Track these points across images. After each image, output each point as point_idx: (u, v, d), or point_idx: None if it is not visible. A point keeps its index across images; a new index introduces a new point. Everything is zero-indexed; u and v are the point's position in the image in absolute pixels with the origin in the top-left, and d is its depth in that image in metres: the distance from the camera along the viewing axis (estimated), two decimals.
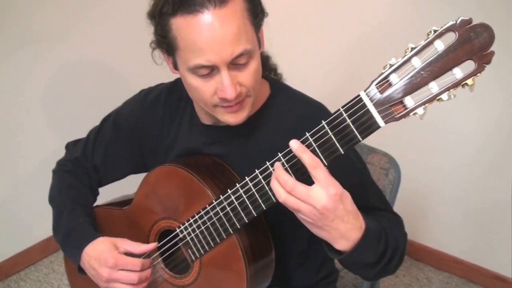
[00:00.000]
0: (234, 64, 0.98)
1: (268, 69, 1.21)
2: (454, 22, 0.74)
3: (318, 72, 2.56)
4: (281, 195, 0.89)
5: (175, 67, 1.07)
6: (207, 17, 0.93)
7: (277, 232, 1.13)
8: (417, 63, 0.77)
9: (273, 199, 0.96)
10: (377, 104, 0.80)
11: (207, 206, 1.06)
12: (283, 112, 1.16)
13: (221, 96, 1.00)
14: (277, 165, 0.90)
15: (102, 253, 1.15)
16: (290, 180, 0.88)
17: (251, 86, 1.03)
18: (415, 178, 2.18)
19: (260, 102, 1.16)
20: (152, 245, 1.19)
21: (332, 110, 0.87)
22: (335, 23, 2.48)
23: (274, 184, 0.90)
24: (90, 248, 1.18)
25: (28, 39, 2.27)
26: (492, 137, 2.18)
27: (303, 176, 0.89)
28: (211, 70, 0.98)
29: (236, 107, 1.04)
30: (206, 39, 0.95)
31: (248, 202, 0.99)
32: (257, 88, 1.07)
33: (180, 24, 0.96)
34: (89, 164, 1.36)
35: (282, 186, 0.89)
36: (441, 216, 2.47)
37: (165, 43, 1.01)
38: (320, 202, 0.85)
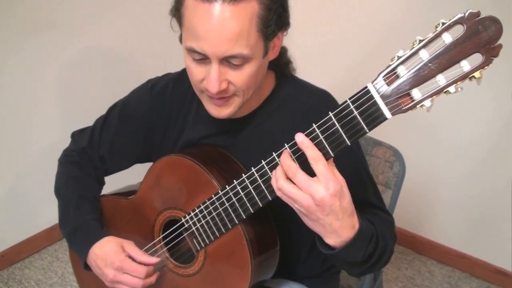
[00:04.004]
0: (228, 61, 0.99)
1: (283, 62, 1.20)
2: (463, 14, 0.74)
3: (326, 66, 2.56)
4: (279, 181, 0.89)
5: (180, 40, 1.07)
6: (214, 7, 0.93)
7: (285, 223, 1.13)
8: (424, 55, 0.77)
9: None
10: (384, 96, 0.80)
11: (212, 196, 1.07)
12: (289, 102, 1.16)
13: (205, 87, 1.02)
14: (285, 152, 0.91)
15: (108, 254, 1.16)
16: (294, 166, 0.88)
17: (240, 87, 1.03)
18: (419, 172, 2.19)
19: (266, 93, 1.17)
20: (155, 260, 1.18)
21: (340, 102, 0.87)
22: (343, 15, 2.48)
23: (276, 169, 0.91)
24: (97, 247, 1.18)
25: (38, 27, 2.27)
26: (498, 134, 2.18)
27: (308, 168, 0.89)
28: (205, 57, 0.99)
29: (219, 101, 1.05)
30: (205, 29, 0.95)
31: (254, 193, 1.00)
32: (249, 91, 1.06)
33: (190, 4, 0.97)
34: (96, 154, 1.36)
35: (285, 171, 0.89)
36: (444, 210, 2.47)
37: (177, 16, 1.03)
38: (319, 194, 0.85)
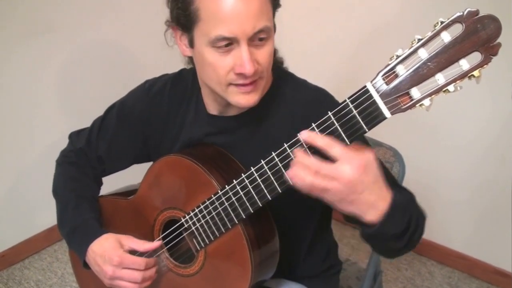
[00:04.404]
0: (253, 41, 1.00)
1: (274, 62, 1.20)
2: (461, 13, 0.74)
3: (326, 66, 2.56)
4: (307, 179, 0.86)
5: (191, 44, 1.07)
6: None
7: (284, 223, 1.13)
8: (423, 54, 0.77)
9: (278, 189, 0.96)
10: (383, 95, 0.80)
11: (212, 196, 1.07)
12: (287, 100, 1.16)
13: (239, 71, 1.01)
14: (297, 150, 0.89)
15: (107, 251, 1.16)
16: (314, 161, 0.86)
17: (265, 66, 1.04)
18: (419, 173, 2.18)
19: (264, 90, 1.16)
20: (157, 244, 1.19)
21: (338, 101, 0.87)
22: (342, 14, 2.48)
23: (296, 170, 0.88)
24: (96, 244, 1.18)
25: (38, 28, 2.28)
26: (498, 134, 2.17)
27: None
28: (230, 43, 0.99)
29: (250, 87, 1.04)
30: (230, 10, 0.96)
31: (253, 192, 1.00)
32: (269, 71, 1.08)
33: None
34: (94, 154, 1.36)
35: (307, 168, 0.86)
36: (444, 210, 2.47)
37: (185, 16, 1.02)
38: (348, 176, 0.83)
